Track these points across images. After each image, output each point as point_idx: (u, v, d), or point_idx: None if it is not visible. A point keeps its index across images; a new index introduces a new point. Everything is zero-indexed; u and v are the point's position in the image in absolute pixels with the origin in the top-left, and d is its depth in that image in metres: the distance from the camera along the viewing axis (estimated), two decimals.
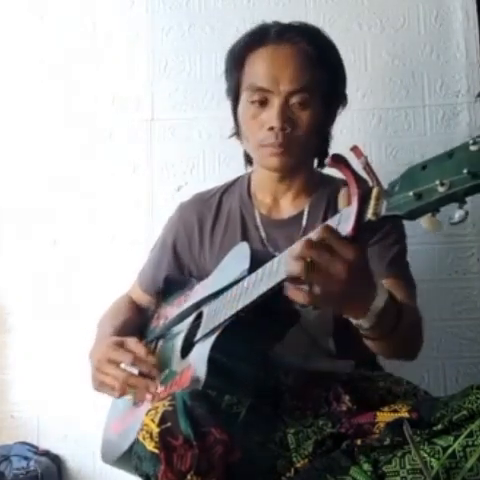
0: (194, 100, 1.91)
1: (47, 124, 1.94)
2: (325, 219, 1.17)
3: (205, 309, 1.19)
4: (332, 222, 0.89)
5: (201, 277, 1.36)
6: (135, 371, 1.21)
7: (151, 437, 0.91)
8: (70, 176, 1.92)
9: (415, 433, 0.89)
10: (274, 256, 1.00)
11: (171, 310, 1.38)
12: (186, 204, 1.49)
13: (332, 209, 1.29)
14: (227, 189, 1.45)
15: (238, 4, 1.92)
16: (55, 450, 1.84)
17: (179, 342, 1.23)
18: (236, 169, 1.53)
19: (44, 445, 1.83)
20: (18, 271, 1.91)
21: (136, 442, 0.95)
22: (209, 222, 1.42)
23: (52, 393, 1.85)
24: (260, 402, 1.03)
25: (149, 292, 1.49)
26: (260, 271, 1.02)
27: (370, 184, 0.83)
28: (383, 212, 0.80)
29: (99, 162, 1.92)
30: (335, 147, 1.37)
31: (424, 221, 0.76)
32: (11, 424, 1.87)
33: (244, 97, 1.30)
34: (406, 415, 0.97)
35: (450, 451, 0.87)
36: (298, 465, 0.96)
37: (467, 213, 0.72)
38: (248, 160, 1.44)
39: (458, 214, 0.72)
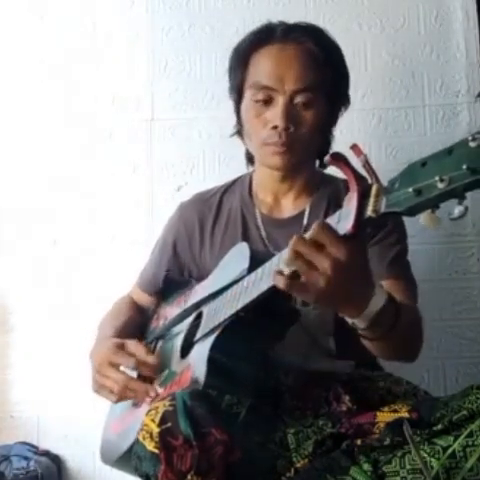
0: (194, 100, 1.91)
1: (47, 124, 1.94)
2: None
3: (205, 309, 1.19)
4: (332, 220, 0.89)
5: (201, 277, 1.36)
6: (135, 374, 1.21)
7: (151, 437, 0.91)
8: (70, 176, 1.92)
9: (415, 433, 0.89)
10: (273, 255, 1.01)
11: (171, 310, 1.38)
12: (186, 204, 1.49)
13: (333, 209, 1.29)
14: (228, 189, 1.45)
15: (238, 4, 1.92)
16: (55, 450, 1.84)
17: (179, 342, 1.23)
18: (236, 169, 1.52)
19: (44, 445, 1.83)
20: (18, 271, 1.91)
21: (136, 442, 0.95)
22: (209, 222, 1.42)
23: (52, 393, 1.85)
24: (260, 402, 1.03)
25: (150, 292, 1.49)
26: (260, 270, 1.02)
27: (369, 182, 0.83)
28: (383, 209, 0.80)
29: (99, 162, 1.92)
30: (335, 147, 1.38)
31: (423, 217, 0.76)
32: (11, 424, 1.87)
33: (248, 95, 1.30)
34: (406, 415, 0.97)
35: (450, 451, 0.87)
36: (298, 465, 0.96)
37: (467, 209, 0.72)
38: (249, 159, 1.44)
39: (458, 210, 0.72)
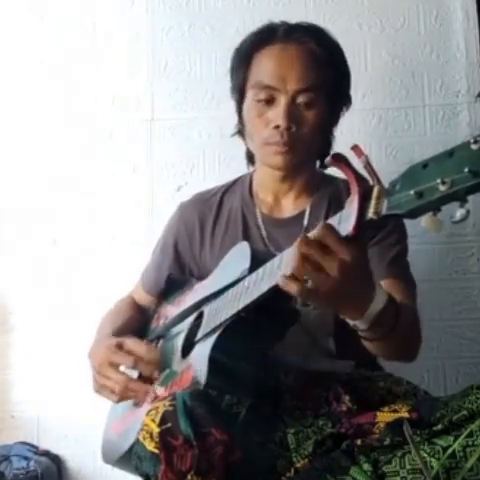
0: (194, 100, 1.91)
1: (47, 124, 1.94)
2: (326, 219, 1.17)
3: (206, 309, 1.19)
4: (333, 221, 0.89)
5: (202, 276, 1.36)
6: (135, 374, 1.21)
7: (151, 437, 0.91)
8: (70, 176, 1.92)
9: (415, 433, 0.89)
10: (274, 255, 1.00)
11: (171, 310, 1.38)
12: (187, 204, 1.49)
13: (333, 209, 1.29)
14: (228, 189, 1.45)
15: (238, 4, 1.92)
16: (55, 450, 1.84)
17: (180, 342, 1.23)
18: (236, 169, 1.53)
19: (44, 445, 1.83)
20: (18, 271, 1.91)
21: (136, 442, 0.95)
22: (210, 221, 1.42)
23: (52, 393, 1.85)
24: (260, 402, 1.03)
25: (152, 293, 1.49)
26: (260, 270, 1.02)
27: (371, 183, 0.83)
28: (384, 211, 0.80)
29: (99, 162, 1.92)
30: (336, 147, 1.38)
31: (425, 220, 0.76)
32: (11, 424, 1.87)
33: (250, 95, 1.30)
34: (406, 415, 0.97)
35: (450, 451, 0.87)
36: (298, 465, 0.96)
37: (468, 212, 0.72)
38: (250, 159, 1.44)
39: (459, 213, 0.72)
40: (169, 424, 0.91)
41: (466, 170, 0.69)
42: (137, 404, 1.20)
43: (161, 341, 1.34)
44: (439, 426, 0.90)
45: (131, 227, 1.89)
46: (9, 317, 1.90)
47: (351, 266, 0.86)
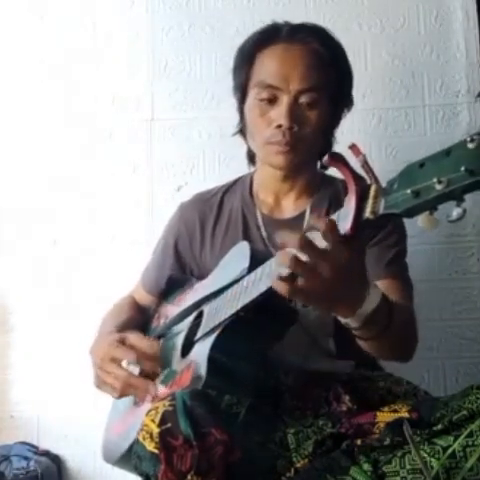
0: (194, 100, 1.91)
1: (47, 124, 1.94)
2: None
3: (205, 308, 1.19)
4: None
5: (202, 276, 1.36)
6: (136, 370, 1.21)
7: (151, 437, 0.91)
8: (70, 176, 1.92)
9: (415, 433, 0.89)
10: (273, 255, 1.00)
11: (172, 309, 1.38)
12: (187, 204, 1.49)
13: (334, 210, 1.27)
14: (228, 189, 1.45)
15: (238, 4, 1.92)
16: (55, 450, 1.84)
17: (180, 341, 1.23)
18: (236, 169, 1.53)
19: (44, 445, 1.83)
20: (18, 271, 1.91)
21: (136, 442, 0.95)
22: (210, 221, 1.42)
23: (52, 393, 1.85)
24: (260, 402, 1.03)
25: (152, 293, 1.49)
26: (259, 270, 1.02)
27: (368, 182, 0.83)
28: (381, 210, 0.80)
29: (99, 162, 1.92)
30: (336, 147, 1.38)
31: (421, 219, 0.76)
32: (11, 424, 1.87)
33: (252, 94, 1.30)
34: (406, 415, 0.97)
35: (450, 451, 0.87)
36: (298, 465, 0.96)
37: (465, 211, 0.71)
38: (250, 159, 1.44)
39: (456, 212, 0.72)
40: (169, 424, 0.91)
41: (462, 169, 0.69)
42: (137, 403, 1.20)
43: (161, 340, 1.34)
44: (439, 426, 0.90)
45: (131, 227, 1.89)
46: (9, 317, 1.90)
47: (344, 267, 0.86)
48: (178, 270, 1.44)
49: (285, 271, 0.88)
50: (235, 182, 1.47)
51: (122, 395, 1.20)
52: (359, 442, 0.95)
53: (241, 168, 1.48)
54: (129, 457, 1.01)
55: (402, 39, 1.87)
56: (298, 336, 1.21)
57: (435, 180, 0.71)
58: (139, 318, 1.46)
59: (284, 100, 1.26)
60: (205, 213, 1.43)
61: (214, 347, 1.05)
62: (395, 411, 1.01)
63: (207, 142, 1.89)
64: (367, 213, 0.81)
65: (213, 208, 1.43)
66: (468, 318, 1.79)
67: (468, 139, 0.70)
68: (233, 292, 1.08)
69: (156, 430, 0.91)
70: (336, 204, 1.30)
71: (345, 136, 1.42)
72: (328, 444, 0.98)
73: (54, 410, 1.84)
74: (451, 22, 1.86)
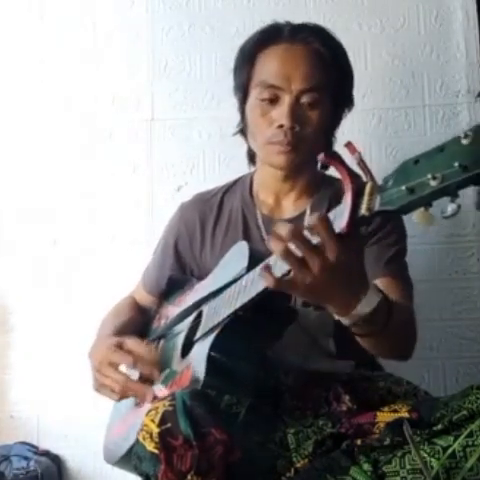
0: (194, 100, 1.91)
1: (47, 124, 1.94)
2: None
3: (205, 308, 1.19)
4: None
5: (202, 276, 1.36)
6: (136, 374, 1.21)
7: (151, 437, 0.91)
8: (70, 176, 1.92)
9: (415, 433, 0.89)
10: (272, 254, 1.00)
11: (172, 309, 1.38)
12: (187, 204, 1.49)
13: None
14: (229, 189, 1.45)
15: (238, 4, 1.92)
16: (55, 450, 1.84)
17: (180, 341, 1.23)
18: (236, 169, 1.52)
19: (44, 445, 1.83)
20: (18, 271, 1.91)
21: (136, 442, 0.95)
22: (210, 222, 1.42)
23: (52, 393, 1.85)
24: (260, 402, 1.03)
25: (153, 293, 1.49)
26: (258, 269, 1.02)
27: (364, 179, 0.83)
28: (377, 207, 0.79)
29: (99, 162, 1.92)
30: (336, 147, 1.38)
31: (416, 215, 0.75)
32: (11, 424, 1.87)
33: (254, 94, 1.30)
34: (406, 415, 0.97)
35: (450, 451, 0.87)
36: (298, 465, 0.96)
37: (459, 207, 0.71)
38: (251, 159, 1.44)
39: (451, 208, 0.72)
40: (169, 424, 0.91)
41: (456, 165, 0.69)
42: (138, 404, 1.20)
43: (162, 341, 1.34)
44: (439, 426, 0.90)
45: (131, 227, 1.89)
46: (9, 317, 1.90)
47: (335, 266, 0.85)
48: (178, 270, 1.44)
49: (275, 261, 0.87)
50: (235, 182, 1.46)
51: (122, 398, 1.20)
52: (359, 442, 0.95)
53: (241, 168, 1.48)
54: (129, 458, 1.01)
55: (402, 39, 1.87)
56: (298, 336, 1.21)
57: (429, 176, 0.71)
58: (139, 319, 1.46)
59: (286, 100, 1.26)
60: (205, 213, 1.43)
61: (213, 347, 1.05)
62: (395, 411, 1.01)
63: (207, 142, 1.89)
64: (363, 210, 0.81)
65: (213, 208, 1.43)
66: (468, 318, 1.79)
67: (462, 135, 0.69)
68: (232, 292, 1.09)
69: (156, 430, 0.91)
70: (336, 204, 1.29)
71: (345, 136, 1.42)
72: (328, 444, 0.98)
73: (54, 410, 1.84)
74: (451, 22, 1.86)
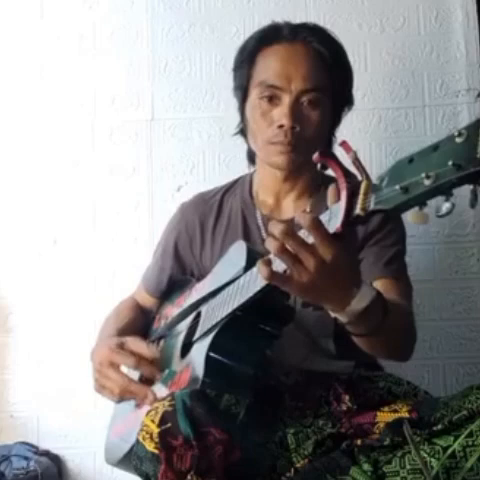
0: (194, 100, 1.91)
1: (47, 124, 1.94)
2: None
3: (204, 308, 1.19)
4: (324, 217, 0.88)
5: (202, 277, 1.36)
6: (136, 375, 1.21)
7: (151, 438, 0.91)
8: (70, 176, 1.92)
9: (415, 433, 0.89)
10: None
11: (172, 310, 1.38)
12: (187, 205, 1.49)
13: None
14: (228, 189, 1.45)
15: (238, 4, 1.92)
16: (55, 450, 1.84)
17: (179, 342, 1.23)
18: (236, 169, 1.53)
19: (44, 445, 1.83)
20: (18, 271, 1.91)
21: (136, 443, 0.95)
22: (211, 222, 1.41)
23: (52, 393, 1.84)
24: (260, 402, 1.03)
25: (154, 294, 1.49)
26: (255, 269, 1.02)
27: (360, 179, 0.82)
28: (371, 206, 0.79)
29: (99, 162, 1.92)
30: (336, 147, 1.38)
31: (411, 215, 0.75)
32: (11, 424, 1.87)
33: (254, 94, 1.30)
34: (406, 415, 0.97)
35: (450, 451, 0.87)
36: (298, 465, 0.96)
37: (454, 205, 0.70)
38: (251, 159, 1.44)
39: (445, 207, 0.71)
40: (169, 424, 0.91)
41: (450, 163, 0.68)
42: (139, 405, 1.20)
43: (162, 341, 1.34)
44: (439, 426, 0.90)
45: (131, 227, 1.89)
46: (9, 317, 1.90)
47: (330, 266, 0.85)
48: (178, 271, 1.44)
49: (270, 256, 0.87)
50: (235, 182, 1.46)
51: (122, 399, 1.20)
52: (359, 442, 0.95)
53: (241, 168, 1.48)
54: (130, 458, 1.01)
55: (402, 39, 1.87)
56: (298, 337, 1.21)
57: (423, 175, 0.70)
58: (140, 320, 1.46)
59: (286, 100, 1.26)
60: (205, 214, 1.43)
61: (212, 347, 1.05)
62: (395, 411, 1.01)
63: (207, 142, 1.89)
64: (357, 209, 0.80)
65: (213, 209, 1.43)
66: (468, 318, 1.79)
67: (456, 133, 0.69)
68: (230, 291, 1.09)
69: (156, 430, 0.91)
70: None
71: (345, 136, 1.42)
72: (328, 444, 0.98)
73: (54, 410, 1.84)
74: (451, 22, 1.86)
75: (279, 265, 0.89)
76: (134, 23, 1.95)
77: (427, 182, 0.70)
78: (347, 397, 1.09)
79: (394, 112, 1.85)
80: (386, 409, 1.04)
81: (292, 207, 1.36)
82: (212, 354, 1.04)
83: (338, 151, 0.88)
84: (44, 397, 1.85)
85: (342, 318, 0.93)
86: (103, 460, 1.28)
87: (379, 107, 1.85)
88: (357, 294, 0.90)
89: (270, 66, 1.28)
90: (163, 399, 0.98)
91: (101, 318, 1.47)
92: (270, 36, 1.31)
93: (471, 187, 0.69)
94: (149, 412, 0.95)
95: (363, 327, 0.95)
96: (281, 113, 1.26)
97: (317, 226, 0.84)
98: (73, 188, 1.91)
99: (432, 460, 0.87)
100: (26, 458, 1.74)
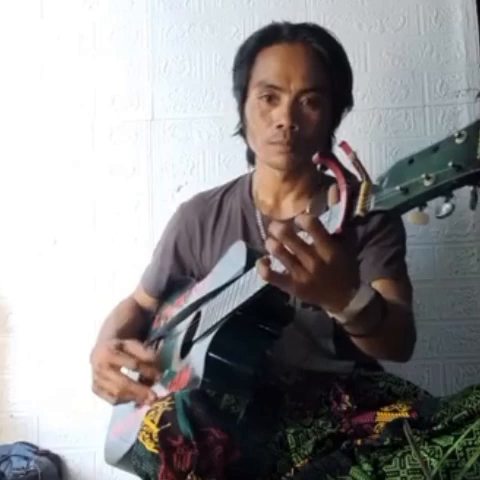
0: (194, 100, 1.91)
1: (47, 124, 1.94)
2: None
3: (203, 308, 1.19)
4: (324, 218, 0.88)
5: (202, 277, 1.36)
6: (136, 376, 1.21)
7: (151, 437, 0.91)
8: (70, 176, 1.92)
9: (415, 433, 0.89)
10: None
11: (172, 310, 1.38)
12: (187, 205, 1.49)
13: None
14: (228, 189, 1.45)
15: (238, 4, 1.92)
16: (55, 450, 1.84)
17: (179, 342, 1.23)
18: (236, 169, 1.52)
19: (44, 445, 1.83)
20: (18, 271, 1.91)
21: (136, 443, 0.95)
22: (210, 222, 1.41)
23: (52, 393, 1.84)
24: (260, 402, 1.03)
25: (153, 295, 1.49)
26: (255, 269, 1.02)
27: (360, 179, 0.82)
28: (371, 207, 0.79)
29: (99, 162, 1.92)
30: (335, 147, 1.38)
31: (411, 215, 0.75)
32: (11, 424, 1.87)
33: (253, 94, 1.30)
34: (406, 415, 0.97)
35: (450, 451, 0.87)
36: (298, 465, 0.96)
37: (454, 207, 0.70)
38: (250, 159, 1.44)
39: (445, 208, 0.71)
40: (169, 424, 0.91)
41: (450, 164, 0.68)
42: (139, 405, 1.20)
43: (162, 342, 1.34)
44: (439, 426, 0.90)
45: (131, 227, 1.89)
46: (9, 317, 1.90)
47: (328, 266, 0.84)
48: (178, 271, 1.44)
49: (269, 256, 0.87)
50: (234, 183, 1.46)
51: (119, 401, 1.20)
52: (359, 442, 0.95)
53: (241, 168, 1.48)
54: (130, 458, 1.01)
55: (402, 39, 1.87)
56: (298, 337, 1.21)
57: (423, 176, 0.70)
58: (140, 321, 1.46)
59: (285, 100, 1.26)
60: (205, 214, 1.43)
61: (211, 347, 1.05)
62: (395, 411, 1.01)
63: (207, 142, 1.89)
64: (357, 210, 0.80)
65: (213, 209, 1.43)
66: (468, 318, 1.79)
67: (456, 134, 0.68)
68: (230, 291, 1.09)
69: (156, 430, 0.91)
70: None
71: (345, 136, 1.42)
72: (328, 444, 0.98)
73: (54, 410, 1.84)
74: (451, 22, 1.86)
75: (278, 265, 0.89)
76: (134, 23, 1.95)
77: (427, 183, 0.70)
78: (347, 397, 1.09)
79: (394, 112, 1.85)
80: (386, 409, 1.04)
81: (292, 207, 1.36)
82: (212, 354, 1.04)
83: (338, 152, 0.88)
84: (44, 397, 1.85)
85: (340, 318, 0.93)
86: (103, 460, 1.28)
87: (379, 107, 1.85)
88: (355, 295, 0.90)
89: (270, 66, 1.28)
90: (163, 399, 0.98)
91: (101, 318, 1.47)
92: (270, 36, 1.31)
93: (471, 188, 0.69)
94: (149, 412, 0.95)
95: (361, 328, 0.95)
96: (280, 113, 1.26)
97: (316, 227, 0.84)
98: (73, 188, 1.91)
99: (432, 460, 0.87)
100: (26, 458, 1.74)
